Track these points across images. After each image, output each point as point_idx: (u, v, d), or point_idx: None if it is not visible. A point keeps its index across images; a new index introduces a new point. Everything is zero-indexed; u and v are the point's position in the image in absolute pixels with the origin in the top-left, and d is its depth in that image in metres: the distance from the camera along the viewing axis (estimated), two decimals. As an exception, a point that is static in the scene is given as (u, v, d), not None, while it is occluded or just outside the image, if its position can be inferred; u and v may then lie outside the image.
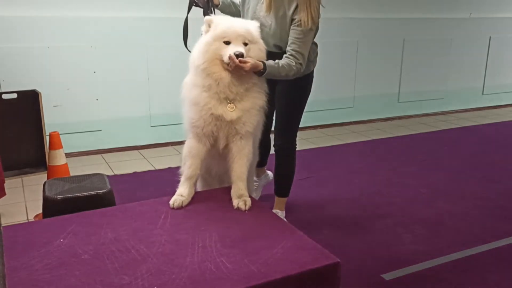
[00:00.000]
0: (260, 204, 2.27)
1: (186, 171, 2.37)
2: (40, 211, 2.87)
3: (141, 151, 4.82)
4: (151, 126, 4.92)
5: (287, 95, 2.90)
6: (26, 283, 1.54)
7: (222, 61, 2.22)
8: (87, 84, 4.52)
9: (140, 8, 4.65)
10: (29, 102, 4.01)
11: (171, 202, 2.22)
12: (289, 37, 2.64)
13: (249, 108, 2.29)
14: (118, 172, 4.17)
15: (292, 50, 2.60)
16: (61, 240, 1.85)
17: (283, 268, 1.64)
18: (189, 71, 2.39)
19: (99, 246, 1.80)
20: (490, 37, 6.93)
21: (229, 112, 2.25)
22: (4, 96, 3.94)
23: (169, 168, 4.29)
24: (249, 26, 2.30)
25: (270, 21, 2.68)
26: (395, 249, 2.84)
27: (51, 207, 2.29)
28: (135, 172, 4.17)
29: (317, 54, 2.93)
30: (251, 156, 2.40)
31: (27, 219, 3.22)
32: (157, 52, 4.75)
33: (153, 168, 4.29)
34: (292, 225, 2.07)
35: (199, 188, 2.62)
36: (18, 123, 4.01)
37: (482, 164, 4.47)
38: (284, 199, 3.16)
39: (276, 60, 2.50)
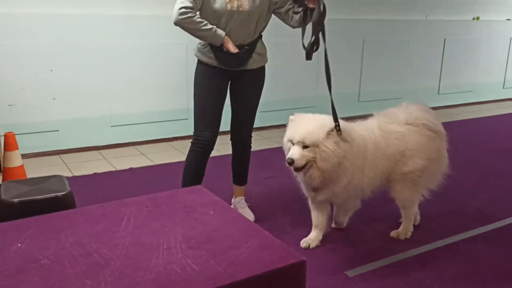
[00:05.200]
0: (225, 205, 2.26)
1: (313, 221, 2.93)
2: (-5, 215, 2.76)
3: (101, 151, 4.71)
4: (112, 126, 4.82)
5: (255, 89, 3.10)
6: (-19, 291, 1.47)
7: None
8: (44, 83, 4.38)
9: (99, 4, 4.55)
10: (-19, 101, 3.84)
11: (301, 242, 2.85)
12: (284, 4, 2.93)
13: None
14: (77, 173, 4.06)
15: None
16: (19, 245, 1.78)
17: (249, 268, 1.63)
18: None
19: (59, 250, 1.74)
20: (445, 39, 7.19)
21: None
22: (-46, 95, 3.77)
23: (131, 168, 4.22)
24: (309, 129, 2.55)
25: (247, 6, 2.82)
26: (358, 246, 2.90)
27: (7, 211, 2.20)
28: (95, 173, 4.07)
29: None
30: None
31: (-19, 223, 3.08)
32: (117, 50, 4.66)
33: (114, 169, 4.20)
34: (257, 224, 2.07)
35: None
36: (-31, 123, 3.84)
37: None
38: (244, 186, 3.36)
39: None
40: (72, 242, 1.80)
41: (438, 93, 7.42)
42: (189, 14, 2.69)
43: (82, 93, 4.59)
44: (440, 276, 2.58)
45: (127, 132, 4.89)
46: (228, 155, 3.30)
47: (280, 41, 5.35)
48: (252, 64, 2.98)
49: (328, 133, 2.51)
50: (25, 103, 4.33)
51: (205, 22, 2.74)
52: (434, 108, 7.53)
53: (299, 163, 2.51)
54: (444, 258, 2.78)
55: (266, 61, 3.09)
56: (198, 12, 2.77)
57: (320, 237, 2.87)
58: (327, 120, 2.58)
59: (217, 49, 2.84)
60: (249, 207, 3.27)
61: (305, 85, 5.97)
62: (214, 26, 2.76)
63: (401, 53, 6.77)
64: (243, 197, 3.33)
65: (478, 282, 2.54)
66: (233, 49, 2.79)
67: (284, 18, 2.97)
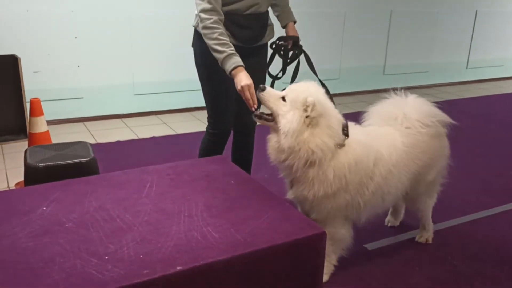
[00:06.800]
0: (246, 175, 2.26)
1: None
2: (21, 179, 2.83)
3: (124, 119, 4.75)
4: (135, 95, 4.85)
5: (263, 66, 2.71)
6: (9, 251, 1.52)
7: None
8: (68, 50, 4.40)
9: (123, -29, 4.50)
10: (8, 68, 3.89)
11: None
12: None
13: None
14: (100, 140, 4.12)
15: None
16: (44, 208, 1.82)
17: (269, 238, 1.64)
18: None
19: (83, 214, 1.78)
20: (476, 11, 6.93)
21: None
22: (-18, 61, 3.83)
23: (153, 137, 4.25)
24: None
25: None
26: (377, 220, 2.87)
27: (33, 175, 2.25)
28: (118, 141, 4.12)
29: None
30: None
31: (8, 187, 3.17)
32: (141, 18, 4.64)
33: (136, 137, 4.24)
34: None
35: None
36: (-4, 88, 3.91)
37: (464, 138, 4.52)
38: None
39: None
40: (96, 206, 1.84)
41: (467, 67, 7.21)
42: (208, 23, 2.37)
43: (106, 61, 4.61)
44: (461, 253, 2.55)
45: (150, 101, 4.92)
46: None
47: (305, 11, 5.24)
48: (266, 38, 2.66)
49: (302, 103, 1.97)
50: (50, 70, 4.37)
51: (223, 40, 2.33)
52: (462, 83, 7.38)
53: (266, 95, 2.05)
54: (466, 235, 2.75)
55: (274, 34, 2.72)
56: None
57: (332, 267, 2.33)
58: (321, 97, 2.08)
59: (233, 23, 2.49)
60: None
61: (329, 57, 5.86)
62: (227, 50, 2.31)
63: (429, 25, 6.56)
64: None
65: (500, 260, 2.50)
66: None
67: None
